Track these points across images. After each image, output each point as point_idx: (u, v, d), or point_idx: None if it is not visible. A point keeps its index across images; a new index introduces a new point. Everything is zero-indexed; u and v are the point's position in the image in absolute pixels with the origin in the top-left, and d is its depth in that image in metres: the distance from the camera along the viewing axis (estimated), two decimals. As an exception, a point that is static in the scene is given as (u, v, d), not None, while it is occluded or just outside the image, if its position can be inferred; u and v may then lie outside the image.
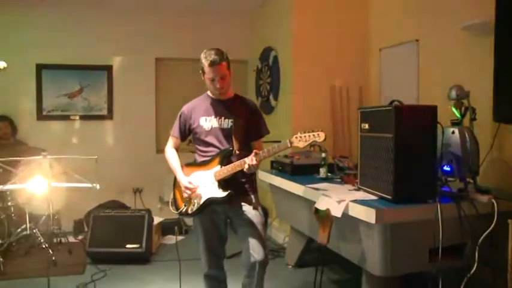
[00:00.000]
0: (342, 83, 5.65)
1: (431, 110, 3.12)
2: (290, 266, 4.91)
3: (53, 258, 5.03)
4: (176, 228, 6.14)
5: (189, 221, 6.28)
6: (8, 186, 3.54)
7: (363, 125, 3.49)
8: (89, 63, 6.60)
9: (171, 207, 3.41)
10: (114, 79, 6.74)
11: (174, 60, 6.97)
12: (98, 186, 3.33)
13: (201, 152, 3.34)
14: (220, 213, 3.30)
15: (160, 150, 6.71)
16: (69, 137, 6.44)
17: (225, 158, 3.19)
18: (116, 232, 5.13)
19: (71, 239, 6.02)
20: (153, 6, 6.57)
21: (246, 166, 3.03)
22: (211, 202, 3.19)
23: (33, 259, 5.18)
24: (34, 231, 5.28)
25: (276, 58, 5.98)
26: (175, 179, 3.39)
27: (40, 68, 6.42)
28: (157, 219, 5.73)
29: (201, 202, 3.20)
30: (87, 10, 6.48)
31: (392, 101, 3.24)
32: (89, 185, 3.24)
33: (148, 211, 5.36)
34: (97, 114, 6.71)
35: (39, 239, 5.25)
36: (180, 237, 6.12)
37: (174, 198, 3.40)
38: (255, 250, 3.15)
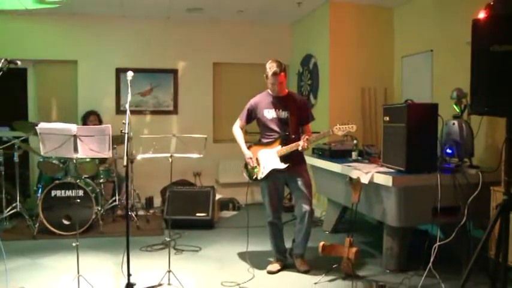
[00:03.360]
0: (371, 85, 6.82)
1: (434, 107, 4.34)
2: (327, 232, 6.07)
3: (137, 223, 6.32)
4: (231, 204, 7.48)
5: (240, 199, 7.49)
6: (148, 155, 4.56)
7: (385, 117, 4.69)
8: (158, 67, 7.87)
9: (244, 175, 4.66)
10: (179, 80, 7.99)
11: (228, 65, 8.20)
12: (201, 156, 4.57)
13: (266, 135, 4.60)
14: (280, 179, 4.58)
15: (216, 140, 7.98)
16: (141, 128, 7.64)
17: (284, 140, 4.45)
18: (187, 203, 6.35)
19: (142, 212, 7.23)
20: (211, 19, 7.81)
21: (300, 148, 4.30)
22: (274, 171, 4.45)
23: (121, 224, 6.45)
24: (122, 201, 6.62)
25: (315, 64, 7.17)
26: None
27: (119, 71, 7.69)
28: (216, 197, 6.96)
29: (268, 171, 4.46)
30: (156, 24, 7.74)
31: (407, 100, 4.45)
32: (197, 155, 4.49)
33: (213, 187, 6.61)
34: (164, 109, 7.99)
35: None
36: (234, 212, 7.38)
37: (246, 169, 4.67)
38: (305, 204, 4.46)
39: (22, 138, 5.96)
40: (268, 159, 4.49)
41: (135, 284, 3.81)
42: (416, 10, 6.36)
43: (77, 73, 7.65)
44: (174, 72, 8.00)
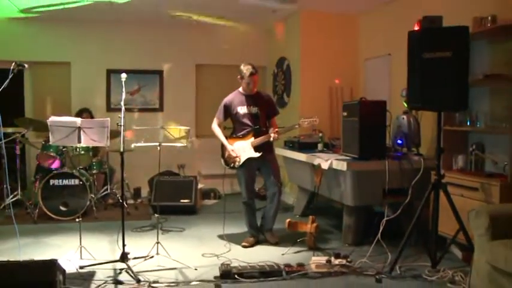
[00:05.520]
0: (337, 84, 7.57)
1: (383, 103, 5.10)
2: (297, 216, 6.79)
3: (128, 210, 6.98)
4: (212, 194, 8.18)
5: (221, 189, 8.20)
6: (141, 144, 5.22)
7: (343, 113, 5.45)
8: (145, 69, 8.54)
9: (223, 164, 5.38)
10: (165, 80, 8.69)
11: (210, 66, 8.91)
12: (185, 145, 5.29)
13: (239, 128, 5.33)
14: (254, 166, 5.32)
15: (199, 135, 8.68)
16: (130, 124, 8.24)
17: (256, 133, 5.19)
18: (172, 191, 7.05)
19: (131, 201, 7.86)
20: (194, 25, 8.44)
21: (271, 139, 5.05)
22: (249, 160, 5.19)
23: (112, 211, 7.10)
24: (113, 190, 7.30)
25: (288, 65, 7.91)
26: (222, 145, 5.38)
27: (109, 72, 8.38)
28: (198, 186, 7.65)
29: (243, 160, 5.21)
30: (143, 28, 8.39)
31: (361, 98, 5.21)
32: (182, 144, 5.21)
33: (195, 177, 7.32)
34: (151, 107, 8.69)
35: (117, 196, 7.25)
36: (215, 201, 8.09)
37: (224, 159, 5.39)
38: (275, 186, 5.26)
39: (22, 133, 6.60)
40: (244, 149, 5.22)
41: (129, 253, 4.49)
42: (377, 18, 7.13)
43: (70, 74, 8.31)
44: (160, 73, 8.70)
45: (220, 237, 5.69)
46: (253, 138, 5.19)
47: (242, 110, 5.28)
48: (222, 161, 5.43)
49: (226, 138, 5.38)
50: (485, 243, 3.53)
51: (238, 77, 5.27)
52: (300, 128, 5.60)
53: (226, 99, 5.41)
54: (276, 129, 5.16)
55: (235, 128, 5.42)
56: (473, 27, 4.69)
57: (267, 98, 5.49)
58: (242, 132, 5.29)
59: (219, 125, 5.45)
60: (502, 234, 3.46)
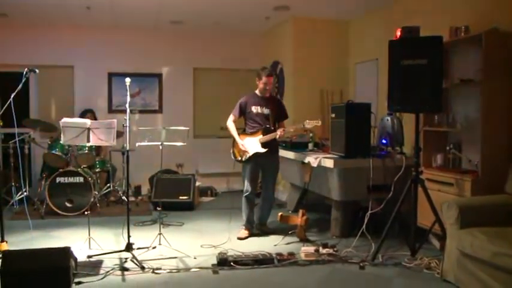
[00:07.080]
0: (329, 87, 7.97)
1: (367, 106, 5.50)
2: (290, 211, 7.18)
3: (129, 206, 7.33)
4: (209, 191, 8.56)
5: (217, 187, 8.63)
6: (144, 143, 5.57)
7: (332, 114, 5.86)
8: (145, 72, 8.93)
9: (232, 157, 5.85)
10: (164, 83, 9.08)
11: (207, 69, 9.29)
12: (185, 144, 5.68)
13: (251, 126, 5.78)
14: (259, 162, 5.75)
15: (196, 135, 9.06)
16: (131, 125, 8.63)
17: (265, 131, 5.63)
18: (172, 188, 7.42)
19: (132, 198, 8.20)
20: (192, 30, 8.88)
21: (277, 136, 5.53)
22: (255, 155, 5.64)
23: (114, 207, 7.50)
24: (116, 188, 7.68)
25: (282, 69, 8.32)
26: (233, 140, 5.84)
27: (111, 75, 8.77)
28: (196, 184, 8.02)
29: (251, 154, 5.65)
30: (143, 33, 8.78)
31: (348, 100, 5.61)
32: (181, 143, 5.60)
33: (193, 175, 7.70)
34: (151, 109, 9.07)
35: (119, 193, 7.63)
36: (212, 198, 8.48)
37: (234, 152, 5.85)
38: (273, 185, 5.79)
39: (29, 134, 6.97)
40: (252, 145, 5.66)
41: (133, 244, 4.88)
42: (366, 24, 7.55)
43: (73, 77, 8.69)
44: (159, 76, 9.09)
45: (217, 229, 6.10)
46: (261, 135, 5.63)
47: (256, 109, 5.74)
48: (231, 153, 5.89)
49: (239, 134, 5.81)
50: (455, 232, 3.95)
51: (257, 78, 5.76)
52: (303, 128, 5.99)
53: (243, 99, 5.88)
54: (283, 128, 5.63)
55: (246, 125, 5.87)
56: (450, 35, 5.12)
57: (279, 103, 6.01)
58: (252, 130, 5.75)
59: (234, 122, 5.88)
60: (469, 223, 3.88)
